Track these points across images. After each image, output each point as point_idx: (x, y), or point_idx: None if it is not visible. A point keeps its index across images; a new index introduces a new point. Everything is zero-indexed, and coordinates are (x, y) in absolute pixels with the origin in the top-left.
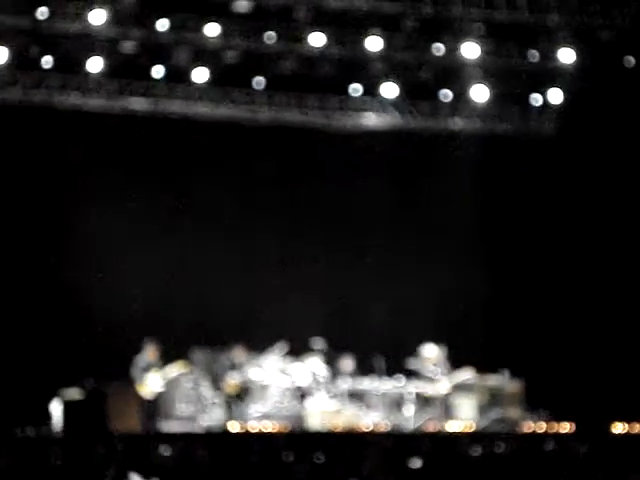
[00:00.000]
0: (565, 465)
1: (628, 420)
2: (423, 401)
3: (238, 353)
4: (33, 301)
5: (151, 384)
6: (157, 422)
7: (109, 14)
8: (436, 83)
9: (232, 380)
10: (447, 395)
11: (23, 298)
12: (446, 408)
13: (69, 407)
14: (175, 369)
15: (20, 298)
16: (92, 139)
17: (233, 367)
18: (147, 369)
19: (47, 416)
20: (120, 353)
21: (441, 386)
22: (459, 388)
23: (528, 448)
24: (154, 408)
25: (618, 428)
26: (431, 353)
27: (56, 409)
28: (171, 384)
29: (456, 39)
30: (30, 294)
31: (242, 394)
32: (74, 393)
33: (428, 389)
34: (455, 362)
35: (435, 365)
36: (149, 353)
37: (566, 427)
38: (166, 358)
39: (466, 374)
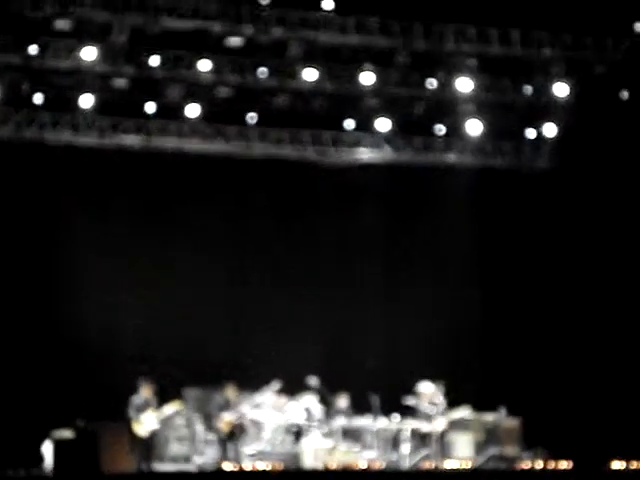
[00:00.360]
0: None
1: (626, 458)
2: (419, 438)
3: (231, 392)
4: (26, 343)
5: (146, 423)
6: (152, 461)
7: (100, 51)
8: (430, 118)
9: (226, 419)
10: (444, 432)
11: (15, 339)
12: (443, 445)
13: (60, 446)
14: (171, 408)
15: (12, 339)
16: (85, 176)
17: (227, 406)
18: (143, 408)
19: (39, 458)
20: (115, 393)
21: (437, 423)
22: (456, 425)
23: None
24: (149, 447)
25: (616, 465)
26: (427, 390)
27: (48, 450)
28: (165, 423)
29: (449, 74)
30: (22, 335)
31: (236, 433)
32: (66, 434)
33: (424, 426)
34: (452, 399)
35: (432, 402)
36: (145, 392)
37: (564, 464)
38: (161, 397)
39: (463, 411)
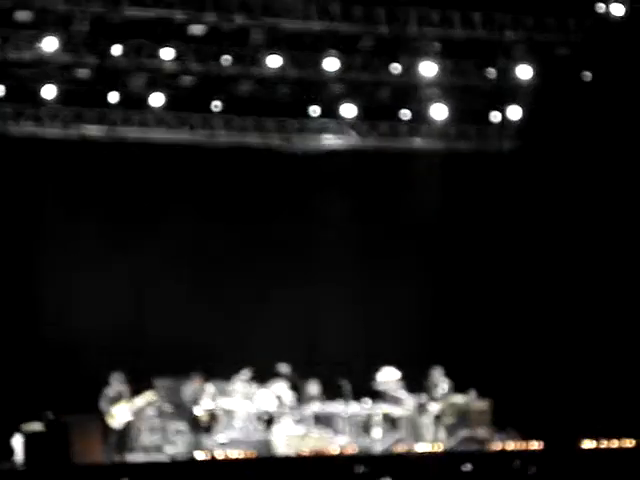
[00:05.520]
0: None
1: (596, 437)
2: (391, 422)
3: (198, 382)
4: None
5: (119, 415)
6: (125, 453)
7: (61, 41)
8: (395, 103)
9: (197, 408)
10: (414, 416)
11: None
12: (414, 429)
13: (30, 439)
14: (143, 399)
15: None
16: (49, 167)
17: (197, 395)
18: (115, 400)
19: (10, 451)
20: (86, 386)
21: (407, 407)
22: (425, 408)
23: (496, 467)
24: (122, 439)
25: (586, 444)
26: (390, 376)
27: (18, 443)
28: (137, 414)
29: (413, 58)
30: None
31: (207, 421)
32: (36, 426)
33: (396, 410)
34: (420, 384)
35: (396, 387)
36: (117, 384)
37: (534, 445)
38: (134, 389)
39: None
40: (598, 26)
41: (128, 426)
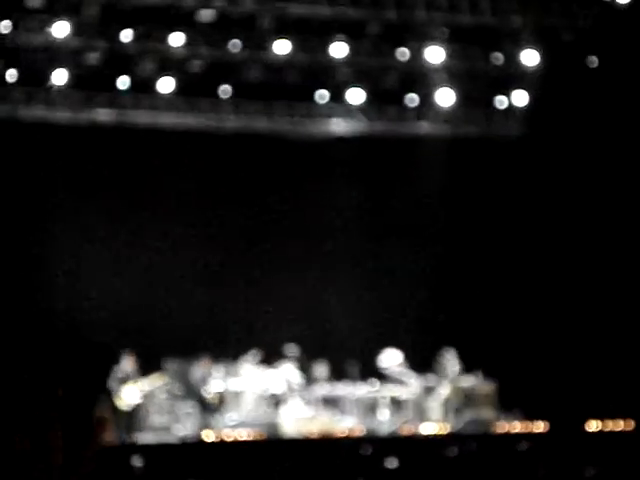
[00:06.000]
0: (539, 464)
1: (602, 418)
2: (397, 404)
3: (207, 363)
4: (2, 316)
5: (127, 396)
6: (133, 434)
7: (72, 26)
8: (402, 88)
9: (205, 389)
10: (421, 398)
11: None
12: (419, 410)
13: None
14: (152, 381)
15: None
16: (58, 151)
17: (206, 377)
18: (125, 381)
19: None
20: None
21: (413, 389)
22: (432, 390)
23: (502, 448)
24: (130, 420)
25: (592, 426)
26: (393, 358)
27: None
28: (146, 396)
29: (421, 44)
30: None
31: (216, 403)
32: None
33: (402, 392)
34: (427, 365)
35: (400, 369)
36: (127, 364)
37: (540, 426)
38: (143, 370)
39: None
40: (604, 12)
41: (137, 407)
